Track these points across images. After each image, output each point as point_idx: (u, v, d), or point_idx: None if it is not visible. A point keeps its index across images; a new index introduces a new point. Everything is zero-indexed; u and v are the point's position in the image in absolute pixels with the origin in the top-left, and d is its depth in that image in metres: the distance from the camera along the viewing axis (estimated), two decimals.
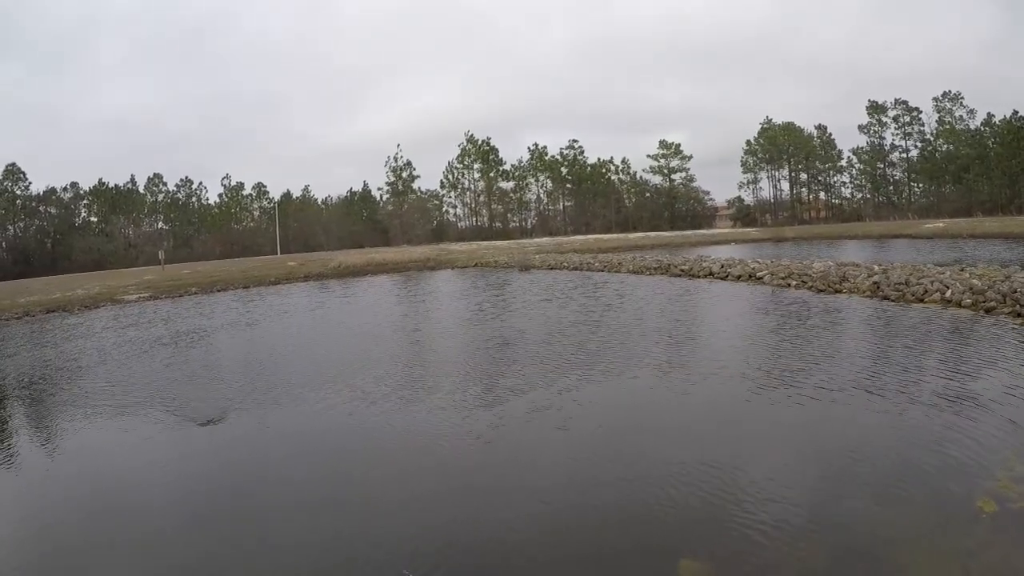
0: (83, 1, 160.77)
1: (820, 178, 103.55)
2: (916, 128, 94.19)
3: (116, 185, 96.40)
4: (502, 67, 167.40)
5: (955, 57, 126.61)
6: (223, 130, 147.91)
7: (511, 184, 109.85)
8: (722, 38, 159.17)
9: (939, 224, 59.57)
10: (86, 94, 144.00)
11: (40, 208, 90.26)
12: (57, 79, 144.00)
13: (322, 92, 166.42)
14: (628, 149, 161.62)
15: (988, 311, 14.07)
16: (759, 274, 24.13)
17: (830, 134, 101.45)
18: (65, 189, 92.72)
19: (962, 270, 19.24)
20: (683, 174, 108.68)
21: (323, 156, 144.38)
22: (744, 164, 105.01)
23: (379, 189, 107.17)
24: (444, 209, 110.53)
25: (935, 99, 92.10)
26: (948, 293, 15.86)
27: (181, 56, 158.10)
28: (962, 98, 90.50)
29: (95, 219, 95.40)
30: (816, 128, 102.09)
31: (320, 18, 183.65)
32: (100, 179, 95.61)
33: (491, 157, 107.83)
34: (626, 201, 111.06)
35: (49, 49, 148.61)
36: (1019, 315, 13.24)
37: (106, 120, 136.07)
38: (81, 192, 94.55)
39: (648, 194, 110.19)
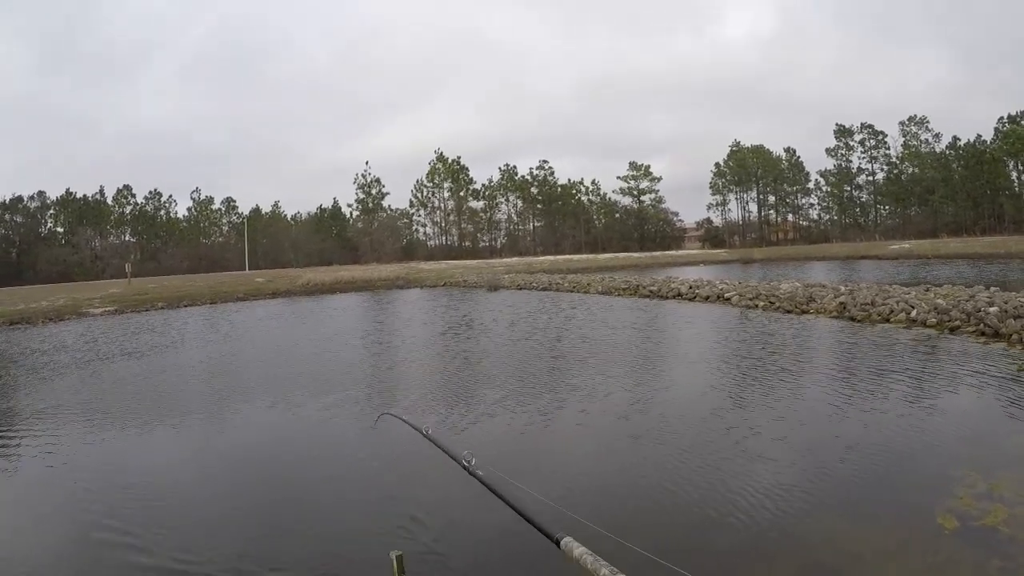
0: (146, 25, 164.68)
1: (788, 200, 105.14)
2: (882, 151, 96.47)
3: (84, 196, 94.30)
4: (508, 98, 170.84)
5: (921, 98, 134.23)
6: (241, 148, 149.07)
7: (481, 203, 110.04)
8: (713, 76, 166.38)
9: (905, 245, 60.81)
10: (121, 108, 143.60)
11: (5, 216, 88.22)
12: (96, 93, 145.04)
13: (336, 118, 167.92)
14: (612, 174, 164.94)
15: (952, 330, 14.29)
16: (727, 295, 24.29)
17: (798, 157, 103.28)
18: (32, 198, 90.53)
19: (927, 290, 19.54)
20: (652, 195, 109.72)
21: (332, 174, 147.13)
22: (713, 186, 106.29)
23: (349, 206, 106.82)
24: (414, 228, 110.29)
25: (901, 123, 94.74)
26: (913, 313, 16.07)
27: (217, 79, 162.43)
28: (927, 122, 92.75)
29: (61, 230, 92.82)
30: (785, 151, 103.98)
31: (356, 51, 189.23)
32: (67, 189, 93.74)
33: (461, 176, 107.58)
34: (596, 222, 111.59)
35: (98, 65, 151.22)
36: (983, 334, 13.45)
37: (134, 134, 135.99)
38: (48, 202, 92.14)
39: (618, 215, 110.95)
